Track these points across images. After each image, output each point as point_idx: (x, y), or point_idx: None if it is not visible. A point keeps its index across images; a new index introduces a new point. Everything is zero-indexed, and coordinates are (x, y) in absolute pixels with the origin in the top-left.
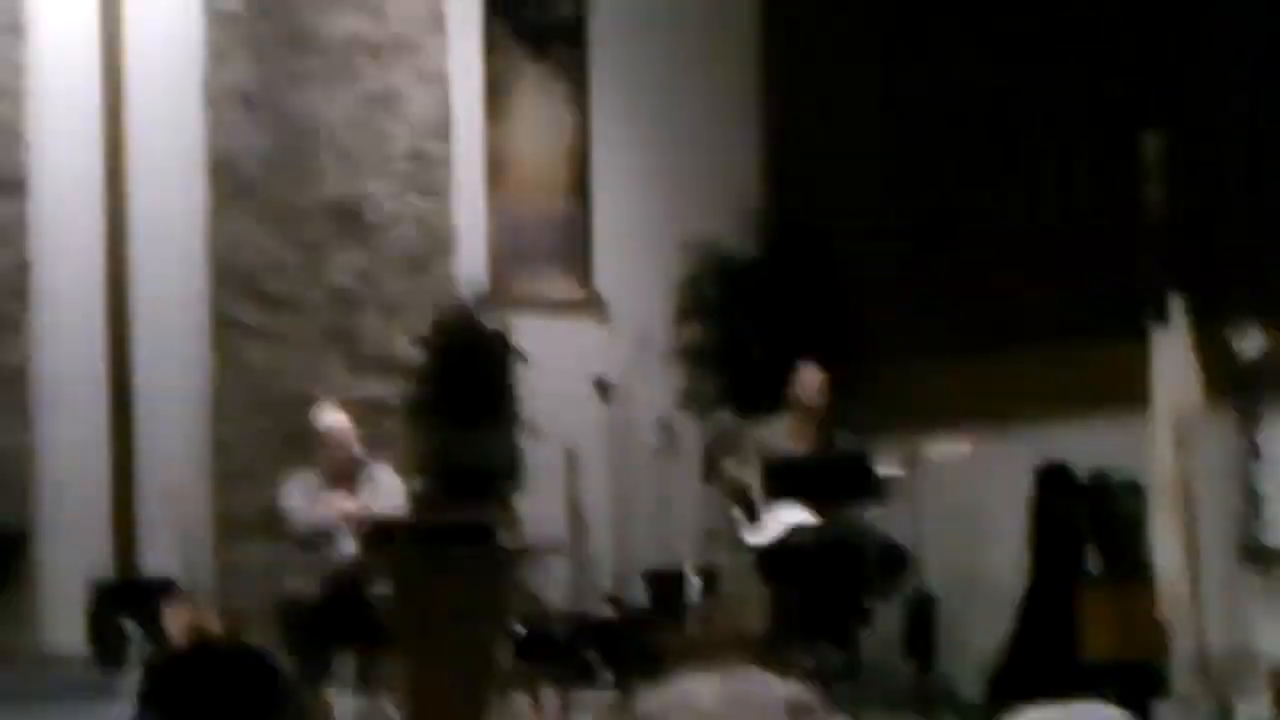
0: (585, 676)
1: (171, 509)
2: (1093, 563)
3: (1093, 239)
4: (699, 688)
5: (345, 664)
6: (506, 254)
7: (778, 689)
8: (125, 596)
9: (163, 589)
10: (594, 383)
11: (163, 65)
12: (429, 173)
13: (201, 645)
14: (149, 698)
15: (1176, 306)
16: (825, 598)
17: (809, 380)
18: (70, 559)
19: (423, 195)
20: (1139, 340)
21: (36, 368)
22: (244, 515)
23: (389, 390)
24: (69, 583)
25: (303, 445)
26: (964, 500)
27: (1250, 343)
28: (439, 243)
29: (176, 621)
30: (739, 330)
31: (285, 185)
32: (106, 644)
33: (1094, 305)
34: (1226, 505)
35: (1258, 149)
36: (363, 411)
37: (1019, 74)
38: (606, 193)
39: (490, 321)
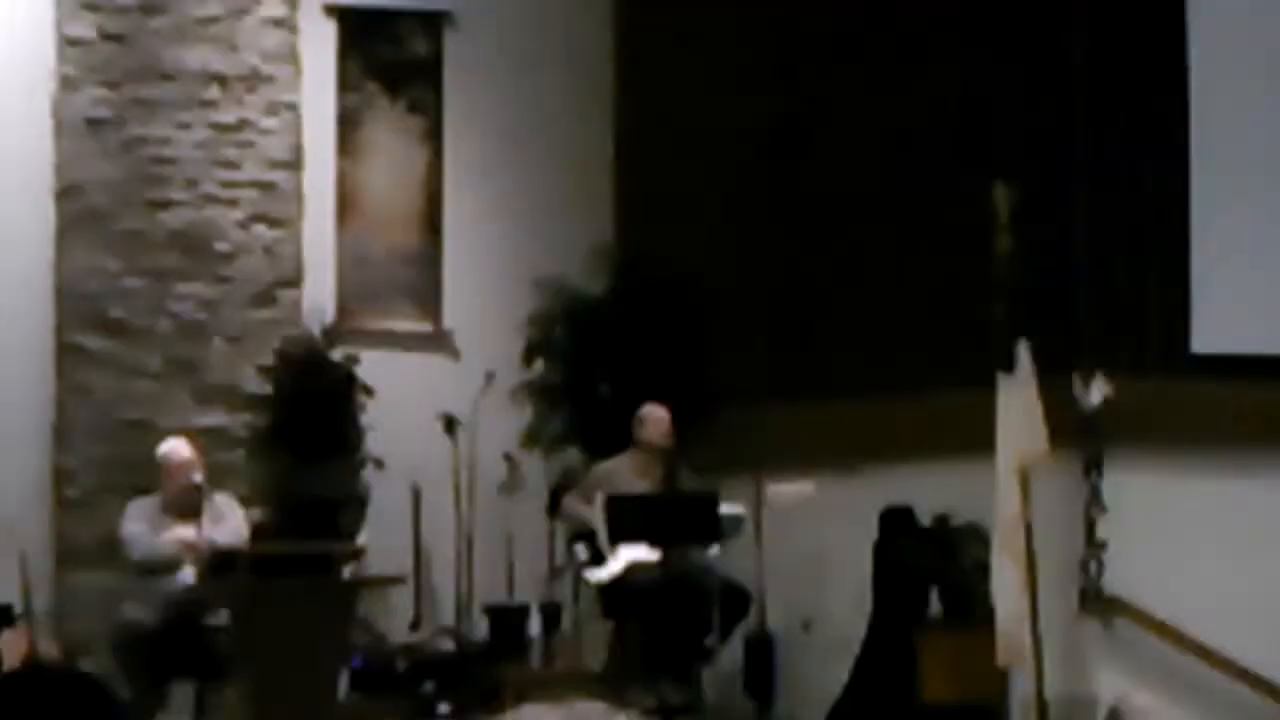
0: (424, 710)
1: (10, 535)
2: (934, 606)
3: (944, 286)
4: None
5: (183, 693)
6: (355, 287)
7: None
8: None
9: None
10: (440, 418)
11: (13, 91)
12: (278, 204)
13: (35, 670)
14: None
15: (1023, 354)
16: (667, 635)
17: (654, 419)
18: None
19: (271, 226)
20: (987, 387)
21: None
22: (84, 542)
23: (233, 420)
24: None
25: (145, 474)
26: (807, 541)
27: (1094, 391)
28: (286, 274)
29: (12, 647)
30: (587, 368)
31: (133, 214)
32: None
33: (944, 351)
34: (1068, 552)
35: (1101, 200)
36: (206, 441)
37: (874, 117)
38: (457, 229)
39: (336, 354)
